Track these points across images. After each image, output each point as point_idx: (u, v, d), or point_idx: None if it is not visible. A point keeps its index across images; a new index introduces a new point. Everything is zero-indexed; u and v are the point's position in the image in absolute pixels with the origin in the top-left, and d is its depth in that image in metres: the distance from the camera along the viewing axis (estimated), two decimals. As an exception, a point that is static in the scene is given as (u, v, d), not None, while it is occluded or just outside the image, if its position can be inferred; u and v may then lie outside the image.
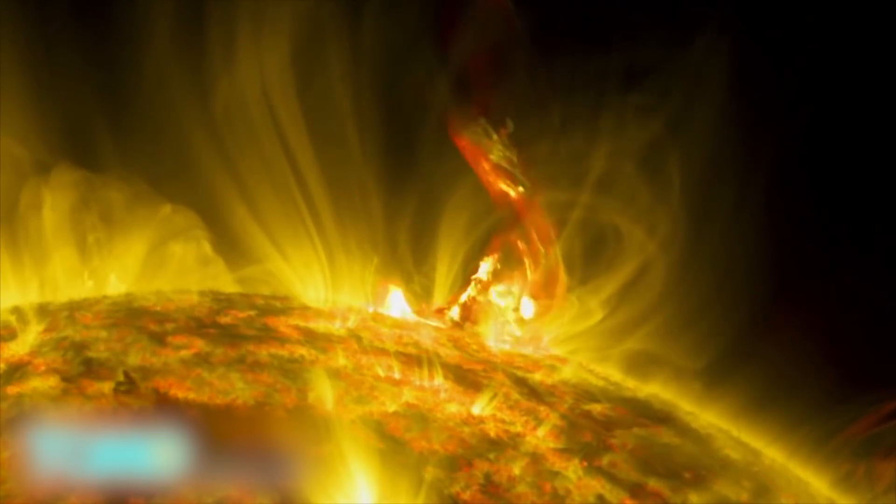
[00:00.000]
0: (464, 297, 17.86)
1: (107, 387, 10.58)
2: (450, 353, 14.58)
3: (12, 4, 16.12)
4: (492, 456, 10.95)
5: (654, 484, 11.42)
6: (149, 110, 17.03)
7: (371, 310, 16.57)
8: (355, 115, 17.51)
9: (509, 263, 18.06)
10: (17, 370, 10.84)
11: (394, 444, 10.69)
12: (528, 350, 16.86)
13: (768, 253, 17.07)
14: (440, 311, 17.77)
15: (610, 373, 16.84)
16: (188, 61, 16.63)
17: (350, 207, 17.51)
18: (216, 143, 16.85)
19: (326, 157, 17.31)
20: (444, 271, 18.01)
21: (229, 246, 17.29)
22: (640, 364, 17.00)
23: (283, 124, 17.14)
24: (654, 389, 16.08)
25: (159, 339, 12.13)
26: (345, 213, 17.42)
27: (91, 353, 11.49)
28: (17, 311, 12.87)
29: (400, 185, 18.02)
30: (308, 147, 17.08)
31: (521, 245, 18.04)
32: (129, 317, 13.08)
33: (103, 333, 12.16)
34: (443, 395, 12.37)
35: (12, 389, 10.36)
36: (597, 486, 10.93)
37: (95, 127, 16.70)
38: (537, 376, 14.68)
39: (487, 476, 10.47)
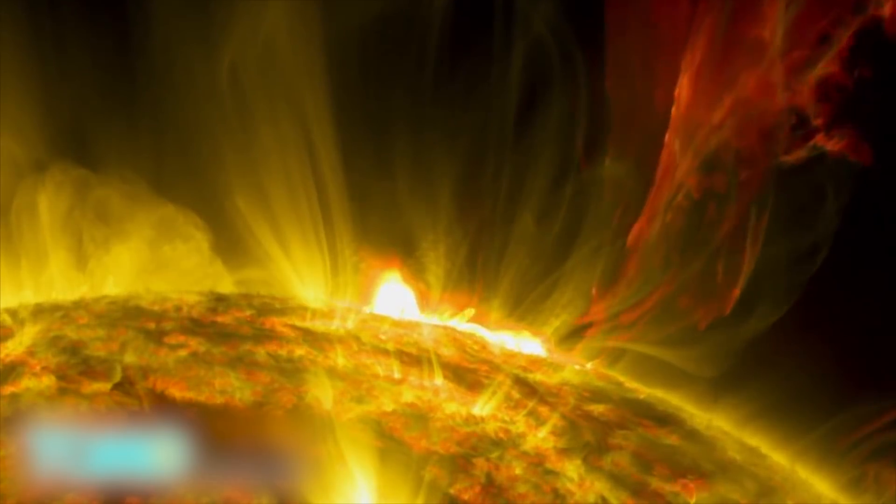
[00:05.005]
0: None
1: (103, 386, 10.51)
2: (450, 353, 14.49)
3: (8, 4, 16.05)
4: (492, 456, 10.88)
5: (656, 485, 11.33)
6: (147, 108, 16.95)
7: (370, 307, 16.45)
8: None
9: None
10: (13, 370, 10.75)
11: (393, 443, 10.61)
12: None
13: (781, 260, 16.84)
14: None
15: (612, 373, 16.73)
16: (189, 51, 16.51)
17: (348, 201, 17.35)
18: (215, 140, 16.76)
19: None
20: (440, 254, 17.80)
21: (229, 246, 17.18)
22: (646, 366, 16.87)
23: (284, 118, 17.03)
24: (659, 392, 15.97)
25: (156, 339, 12.03)
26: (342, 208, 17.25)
27: (87, 353, 11.41)
28: (12, 310, 12.80)
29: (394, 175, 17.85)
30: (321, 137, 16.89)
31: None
32: (126, 316, 12.99)
33: (100, 333, 12.06)
34: (443, 395, 12.28)
35: (8, 389, 10.29)
36: (598, 486, 10.84)
37: (93, 124, 16.61)
38: (538, 376, 14.58)
39: (488, 476, 10.38)
